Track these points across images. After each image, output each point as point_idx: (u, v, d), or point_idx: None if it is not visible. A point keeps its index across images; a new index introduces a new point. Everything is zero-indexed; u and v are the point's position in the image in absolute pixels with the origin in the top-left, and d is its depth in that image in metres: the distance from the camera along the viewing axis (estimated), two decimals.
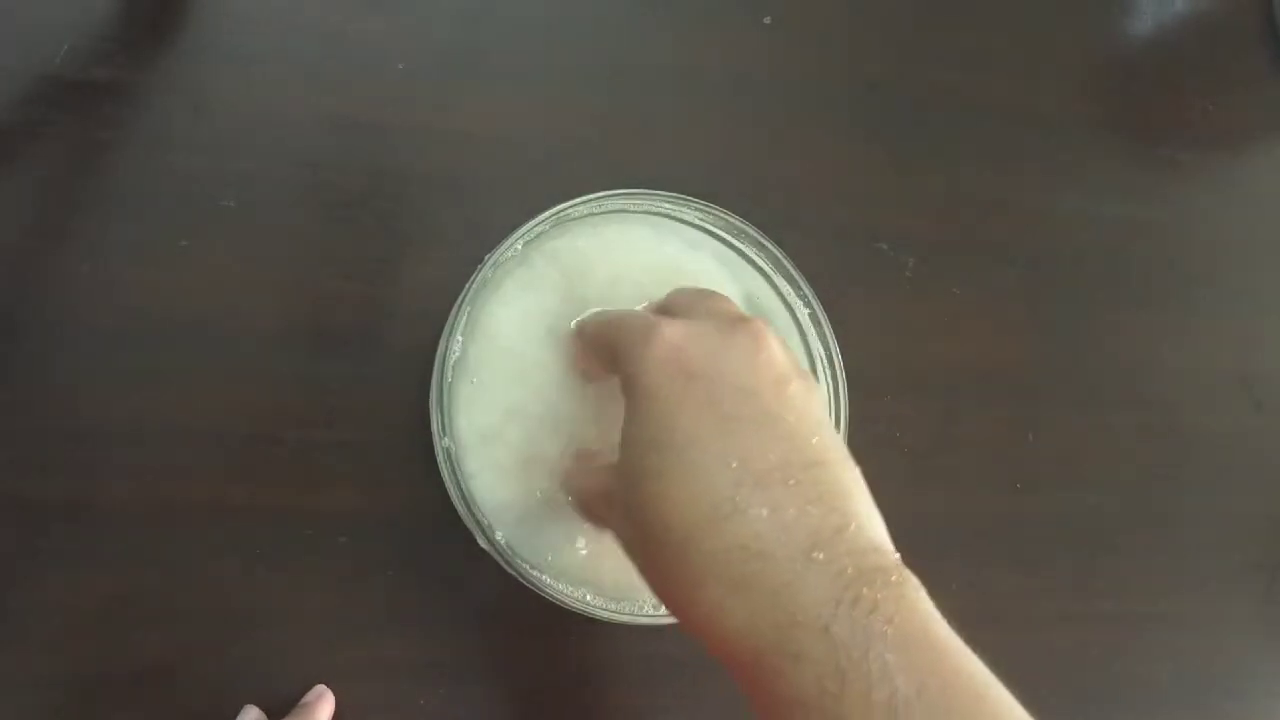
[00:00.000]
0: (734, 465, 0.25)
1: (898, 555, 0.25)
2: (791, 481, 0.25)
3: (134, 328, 0.38)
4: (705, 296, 0.32)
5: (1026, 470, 0.48)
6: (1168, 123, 0.54)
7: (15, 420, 0.37)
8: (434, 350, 0.35)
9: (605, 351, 0.30)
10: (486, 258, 0.35)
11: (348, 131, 0.42)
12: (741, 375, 0.26)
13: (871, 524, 0.25)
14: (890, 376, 0.46)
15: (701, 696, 0.41)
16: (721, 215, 0.37)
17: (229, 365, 0.39)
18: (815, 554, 0.23)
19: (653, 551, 0.26)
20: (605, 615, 0.34)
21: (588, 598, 0.35)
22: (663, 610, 0.35)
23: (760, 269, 0.39)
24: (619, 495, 0.27)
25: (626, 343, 0.28)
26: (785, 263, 0.38)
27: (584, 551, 0.35)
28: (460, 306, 0.35)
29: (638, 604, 0.35)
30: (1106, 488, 0.49)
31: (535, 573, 0.34)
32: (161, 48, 0.41)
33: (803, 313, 0.38)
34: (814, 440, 0.26)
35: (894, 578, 0.24)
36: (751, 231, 0.38)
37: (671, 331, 0.27)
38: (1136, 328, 0.51)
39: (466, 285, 0.35)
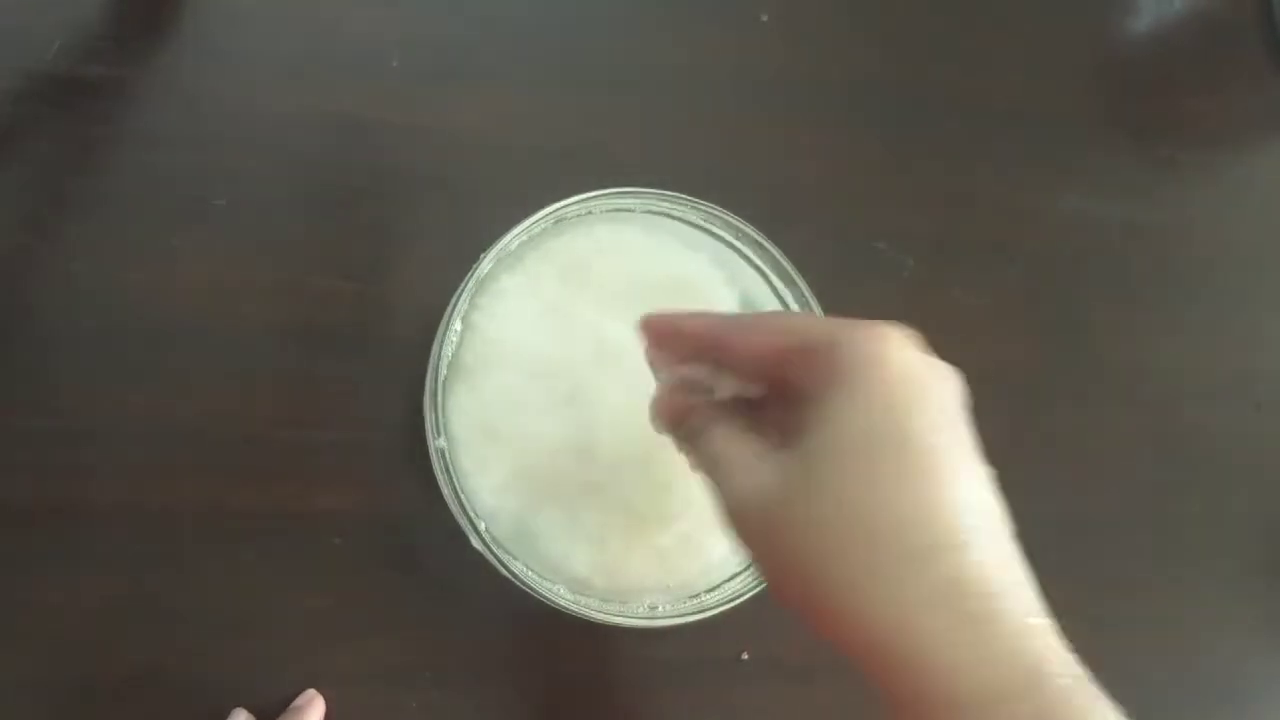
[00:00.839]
0: (971, 490, 0.23)
1: None
2: (1009, 534, 0.23)
3: (124, 327, 0.38)
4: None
5: (1026, 470, 0.47)
6: (1167, 122, 0.53)
7: (4, 421, 0.37)
8: (428, 350, 0.35)
9: (784, 344, 0.26)
10: (482, 256, 0.35)
11: (341, 129, 0.41)
12: (960, 411, 0.25)
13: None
14: None
15: (696, 698, 0.41)
16: (719, 215, 0.37)
17: (221, 365, 0.39)
18: (1037, 618, 0.23)
19: (859, 552, 0.23)
20: (601, 617, 0.34)
21: (583, 600, 0.34)
22: (658, 612, 0.35)
23: (758, 268, 0.38)
24: (805, 474, 0.24)
25: (853, 333, 0.25)
26: (783, 262, 0.37)
27: (581, 553, 0.35)
28: (455, 305, 0.34)
29: (633, 606, 0.35)
30: (1106, 488, 0.49)
31: (530, 574, 0.34)
32: (153, 45, 0.40)
33: None
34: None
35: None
36: (749, 231, 0.37)
37: (907, 336, 0.25)
38: (1136, 327, 0.51)
39: (461, 284, 0.35)
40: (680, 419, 0.28)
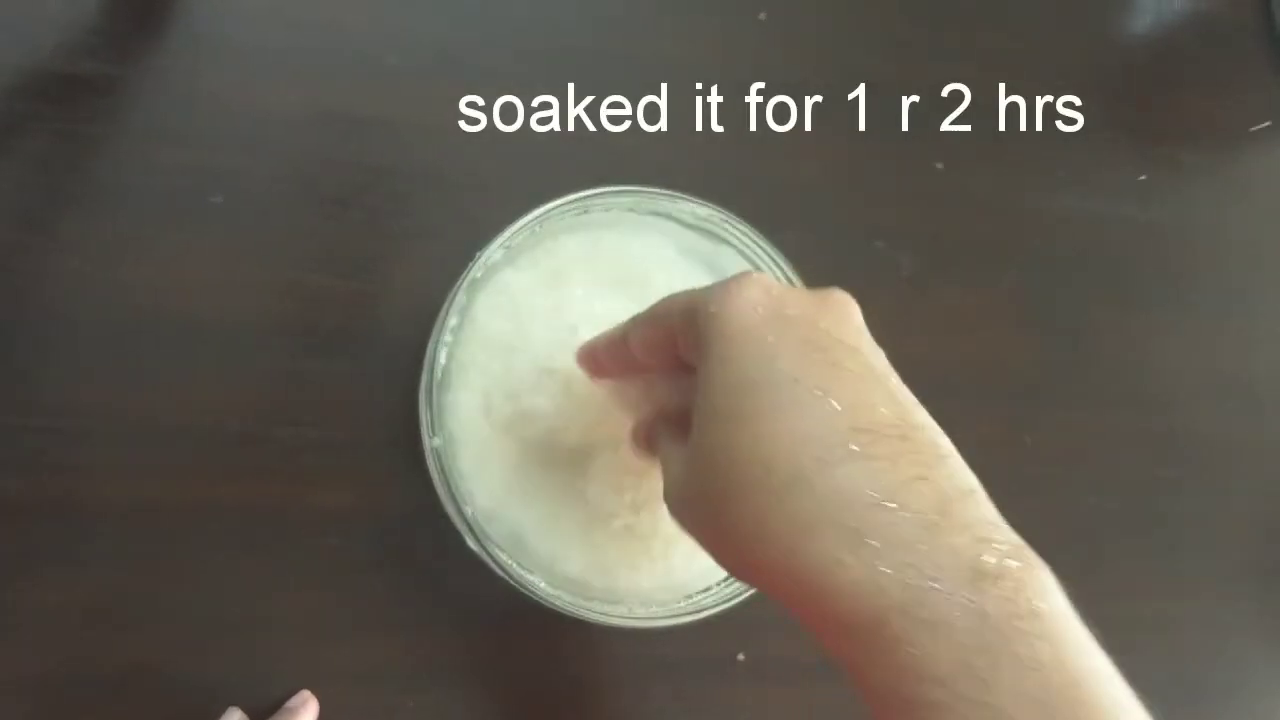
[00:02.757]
0: (844, 410, 0.22)
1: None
2: (906, 438, 0.22)
3: (120, 325, 0.38)
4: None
5: (1024, 471, 0.47)
6: (1168, 123, 0.53)
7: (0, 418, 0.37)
8: (424, 348, 0.35)
9: (668, 327, 0.27)
10: (478, 254, 0.35)
11: (338, 127, 0.41)
12: (839, 331, 0.24)
13: (986, 498, 0.23)
14: None
15: (693, 699, 0.41)
16: (717, 213, 0.37)
17: (217, 363, 0.38)
18: (944, 516, 0.21)
19: (743, 499, 0.22)
20: (596, 617, 0.34)
21: (579, 600, 0.34)
22: (654, 612, 0.34)
23: (756, 267, 0.38)
24: (694, 445, 0.24)
25: (705, 298, 0.25)
26: (780, 261, 0.37)
27: (576, 553, 0.35)
28: (451, 304, 0.34)
29: (630, 607, 0.35)
30: (1105, 489, 0.48)
31: (525, 574, 0.34)
32: (150, 42, 0.40)
33: None
34: (915, 404, 0.24)
35: (1028, 557, 0.22)
36: (747, 230, 0.37)
37: (762, 277, 0.25)
38: (1135, 328, 0.50)
39: (457, 282, 0.35)
40: (642, 440, 0.31)
